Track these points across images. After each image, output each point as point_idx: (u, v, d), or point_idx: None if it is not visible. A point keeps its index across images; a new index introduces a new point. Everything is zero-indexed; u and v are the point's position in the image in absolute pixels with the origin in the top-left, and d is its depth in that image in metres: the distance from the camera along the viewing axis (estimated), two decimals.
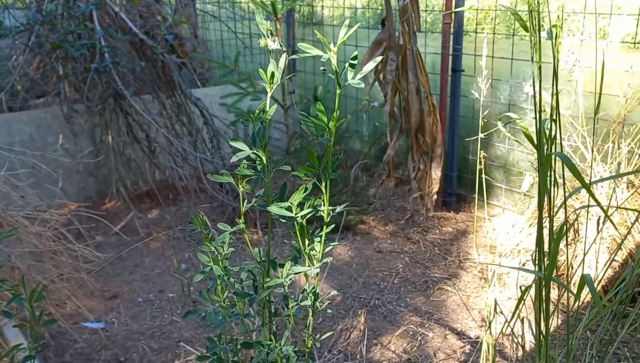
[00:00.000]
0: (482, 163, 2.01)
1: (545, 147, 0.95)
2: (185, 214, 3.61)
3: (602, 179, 1.33)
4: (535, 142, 1.00)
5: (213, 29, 5.09)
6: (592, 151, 2.79)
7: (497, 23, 3.61)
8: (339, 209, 1.00)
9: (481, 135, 1.63)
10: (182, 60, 4.17)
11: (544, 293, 0.98)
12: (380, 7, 4.66)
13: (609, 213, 2.15)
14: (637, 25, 2.83)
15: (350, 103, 4.25)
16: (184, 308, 2.65)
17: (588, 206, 1.17)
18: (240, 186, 0.96)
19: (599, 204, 0.91)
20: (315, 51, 0.90)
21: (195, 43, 4.56)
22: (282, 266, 0.95)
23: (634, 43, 2.85)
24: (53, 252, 2.23)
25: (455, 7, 3.27)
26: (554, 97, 0.98)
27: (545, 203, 1.07)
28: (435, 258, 3.02)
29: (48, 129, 3.60)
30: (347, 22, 0.92)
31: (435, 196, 3.39)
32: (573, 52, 2.85)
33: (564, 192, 1.09)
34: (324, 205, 0.95)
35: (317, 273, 0.92)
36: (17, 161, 2.95)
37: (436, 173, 3.27)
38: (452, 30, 3.34)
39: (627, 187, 2.71)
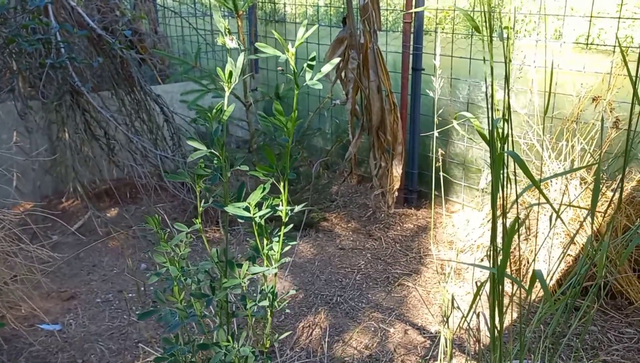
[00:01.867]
0: (441, 160, 2.05)
1: (498, 145, 0.97)
2: (145, 213, 3.55)
3: (552, 176, 1.37)
4: (486, 137, 1.02)
5: (174, 24, 5.02)
6: (546, 148, 2.87)
7: (456, 23, 3.67)
8: (297, 208, 1.01)
9: (436, 133, 1.66)
10: (142, 56, 4.10)
11: (498, 289, 1.01)
12: (342, 6, 4.68)
13: (560, 211, 2.22)
14: (590, 27, 2.92)
15: (313, 101, 4.26)
16: (143, 308, 2.61)
17: (539, 203, 1.21)
18: (197, 186, 0.95)
19: (548, 201, 0.94)
20: (272, 51, 0.90)
21: (155, 39, 4.48)
22: (240, 266, 0.95)
23: (587, 44, 2.94)
24: (6, 254, 2.16)
25: (416, 7, 3.31)
26: (506, 96, 1.01)
27: (499, 199, 1.10)
28: (396, 254, 3.06)
29: (2, 126, 3.49)
30: (305, 22, 0.92)
31: (396, 193, 3.44)
32: (523, 52, 2.92)
33: (516, 190, 1.12)
34: (282, 205, 0.95)
35: (275, 274, 0.92)
36: None
37: (397, 171, 3.31)
38: (412, 29, 3.38)
39: (580, 184, 2.81)
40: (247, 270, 0.92)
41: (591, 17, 2.88)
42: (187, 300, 0.98)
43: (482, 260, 2.87)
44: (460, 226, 3.31)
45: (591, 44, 2.98)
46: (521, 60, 2.88)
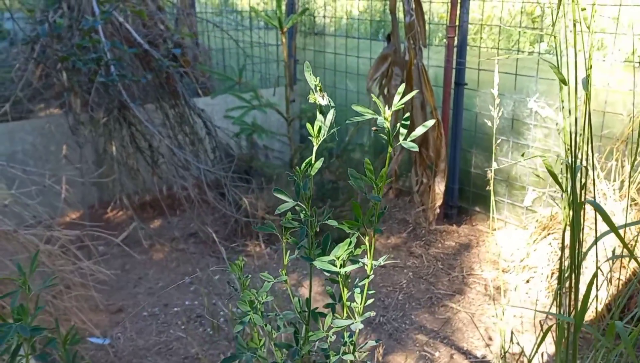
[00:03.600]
0: (490, 178, 2.03)
1: (578, 193, 0.96)
2: (188, 225, 3.60)
3: (631, 224, 1.34)
4: (560, 182, 1.01)
5: (214, 36, 5.09)
6: (594, 168, 2.82)
7: (500, 39, 3.63)
8: (381, 261, 1.01)
9: (494, 166, 1.64)
10: (185, 69, 4.16)
11: (574, 338, 0.99)
12: (382, 19, 4.67)
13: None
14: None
15: (352, 114, 4.26)
16: (188, 322, 2.65)
17: (622, 255, 1.18)
18: (284, 238, 0.96)
19: (632, 256, 0.92)
20: (371, 114, 0.91)
21: (196, 52, 4.55)
22: (322, 315, 0.96)
23: (638, 62, 2.88)
24: (62, 271, 2.22)
25: (460, 22, 3.29)
26: (588, 144, 0.99)
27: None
28: (438, 273, 3.04)
29: (51, 139, 3.59)
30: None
31: (437, 210, 3.41)
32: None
33: (596, 233, 1.10)
34: (368, 258, 0.96)
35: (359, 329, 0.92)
36: (19, 170, 2.93)
37: (439, 188, 3.29)
38: (455, 43, 3.36)
39: (630, 205, 2.74)
40: (330, 323, 0.93)
41: None
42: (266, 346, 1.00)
43: (528, 282, 2.83)
44: (504, 244, 3.27)
45: None
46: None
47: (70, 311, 2.55)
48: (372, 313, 0.99)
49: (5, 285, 2.00)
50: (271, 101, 3.41)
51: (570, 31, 1.08)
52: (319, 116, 0.93)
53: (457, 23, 3.27)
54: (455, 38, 3.34)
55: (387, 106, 0.92)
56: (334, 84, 4.44)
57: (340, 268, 0.93)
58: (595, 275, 0.93)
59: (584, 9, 1.11)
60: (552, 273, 2.77)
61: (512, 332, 1.47)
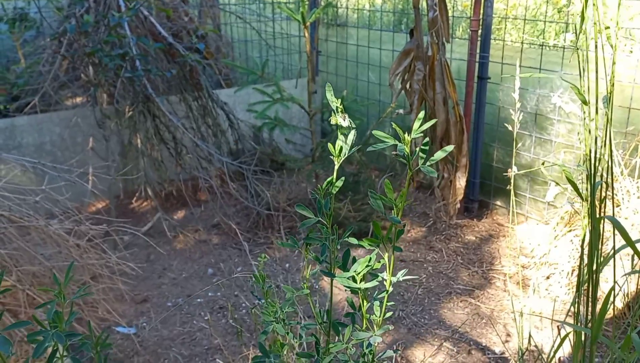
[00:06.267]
0: (511, 173, 2.03)
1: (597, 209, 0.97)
2: (211, 216, 3.66)
3: None
4: (580, 192, 1.02)
5: (236, 27, 5.11)
6: (618, 164, 2.79)
7: (525, 32, 3.59)
8: (399, 276, 1.04)
9: (515, 170, 1.64)
10: (208, 61, 4.20)
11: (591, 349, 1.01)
12: (402, 6, 4.64)
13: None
14: None
15: (373, 107, 4.26)
16: (211, 314, 2.71)
17: (636, 271, 1.19)
18: (306, 253, 1.00)
19: None
20: (392, 140, 0.92)
21: (219, 43, 4.58)
22: (342, 325, 0.99)
23: None
24: (90, 264, 2.29)
25: (484, 15, 3.26)
26: (608, 159, 1.00)
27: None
28: (458, 268, 3.05)
29: (78, 131, 3.67)
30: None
31: (458, 205, 3.41)
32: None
33: (614, 245, 1.11)
34: (387, 275, 0.99)
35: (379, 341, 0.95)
36: (49, 167, 3.01)
37: (460, 183, 3.28)
38: (479, 37, 3.33)
39: None
40: (350, 335, 0.96)
41: None
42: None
43: (548, 278, 2.83)
44: (525, 239, 3.26)
45: None
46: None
47: (97, 301, 2.63)
48: (391, 327, 1.02)
49: (36, 277, 2.08)
50: (293, 93, 3.43)
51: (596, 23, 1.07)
52: (340, 136, 0.95)
53: (480, 16, 3.24)
54: (479, 31, 3.32)
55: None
56: (356, 76, 4.44)
57: (359, 282, 0.96)
58: (612, 289, 0.94)
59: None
60: (573, 270, 2.76)
61: (529, 334, 1.49)
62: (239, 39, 5.10)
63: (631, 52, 2.97)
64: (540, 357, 1.39)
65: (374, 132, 0.97)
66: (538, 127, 3.33)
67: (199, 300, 2.83)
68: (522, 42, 3.40)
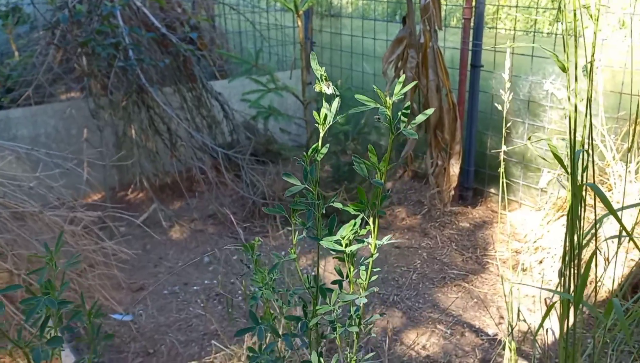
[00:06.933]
0: (501, 160, 2.05)
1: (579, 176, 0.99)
2: (206, 207, 3.68)
3: (629, 207, 1.36)
4: (565, 165, 1.04)
5: (230, 19, 5.11)
6: (610, 149, 2.81)
7: (517, 20, 3.61)
8: (384, 241, 1.05)
9: (504, 148, 1.66)
10: (202, 52, 4.21)
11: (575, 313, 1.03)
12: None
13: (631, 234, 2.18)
14: None
15: (368, 96, 4.27)
16: (207, 301, 2.73)
17: (620, 235, 1.21)
18: (292, 219, 1.01)
19: (628, 234, 0.95)
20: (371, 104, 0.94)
21: (213, 34, 4.59)
22: (329, 291, 1.01)
23: None
24: (86, 250, 2.30)
25: (476, 3, 3.28)
26: (586, 128, 1.02)
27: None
28: (452, 254, 3.07)
29: (72, 122, 3.67)
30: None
31: (452, 192, 3.44)
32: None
33: (595, 215, 1.14)
34: (372, 238, 1.00)
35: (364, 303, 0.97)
36: (40, 153, 3.02)
37: (454, 170, 3.31)
38: (472, 25, 3.35)
39: None
40: (337, 297, 0.98)
41: None
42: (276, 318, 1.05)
43: (541, 262, 2.85)
44: (518, 226, 3.29)
45: None
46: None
47: (93, 288, 2.65)
48: (376, 289, 1.04)
49: (32, 264, 2.09)
50: (288, 84, 3.45)
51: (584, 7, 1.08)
52: (325, 104, 0.97)
53: (473, 4, 3.25)
54: (472, 20, 3.33)
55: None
56: (350, 66, 4.45)
57: (345, 247, 0.97)
58: (594, 254, 0.96)
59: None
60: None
61: (518, 309, 1.51)
62: (233, 30, 5.10)
63: (625, 37, 2.99)
64: (529, 330, 1.42)
65: (356, 95, 0.99)
66: (531, 114, 3.35)
67: (195, 287, 2.84)
68: (514, 30, 3.41)
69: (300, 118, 3.46)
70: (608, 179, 2.88)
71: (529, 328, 1.93)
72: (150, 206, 3.58)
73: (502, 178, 1.93)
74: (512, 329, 1.50)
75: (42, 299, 1.01)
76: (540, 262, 2.85)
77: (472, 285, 2.78)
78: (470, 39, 3.38)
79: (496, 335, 2.40)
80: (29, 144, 3.58)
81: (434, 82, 3.15)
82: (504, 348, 1.96)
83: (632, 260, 2.62)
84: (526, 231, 3.19)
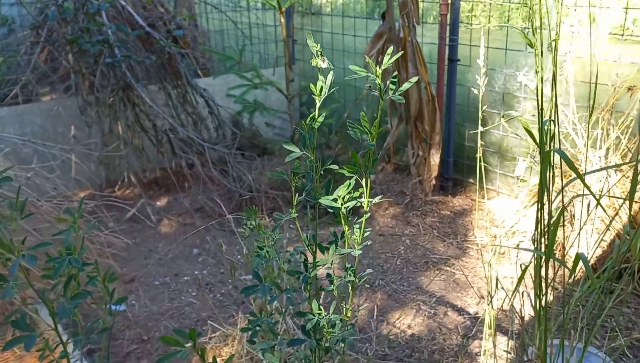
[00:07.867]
0: (479, 150, 2.16)
1: (547, 143, 1.10)
2: (194, 201, 3.74)
3: (594, 171, 1.48)
4: (537, 139, 1.15)
5: (212, 18, 5.18)
6: (581, 137, 2.95)
7: (491, 15, 3.75)
8: (376, 200, 1.15)
9: (481, 129, 1.78)
10: (184, 50, 4.28)
11: (543, 269, 1.14)
12: None
13: (599, 198, 2.32)
14: (625, 17, 2.98)
15: (350, 91, 4.39)
16: (199, 290, 2.80)
17: (583, 194, 1.32)
18: (294, 181, 1.10)
19: (591, 193, 1.06)
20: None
21: (196, 33, 4.66)
22: (327, 248, 1.11)
23: (622, 34, 3.00)
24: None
25: (452, 0, 3.40)
26: (552, 101, 1.13)
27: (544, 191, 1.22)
28: (434, 240, 3.19)
29: (59, 121, 3.71)
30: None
31: (433, 181, 3.56)
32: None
33: (562, 180, 1.25)
34: (365, 197, 1.10)
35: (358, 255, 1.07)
36: (29, 150, 3.07)
37: (434, 160, 3.43)
38: (448, 21, 3.48)
39: (615, 171, 2.89)
40: (334, 252, 1.07)
41: (627, 7, 2.94)
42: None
43: (518, 245, 2.99)
44: (496, 213, 3.42)
45: (628, 35, 3.04)
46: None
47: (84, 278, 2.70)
48: (369, 242, 1.13)
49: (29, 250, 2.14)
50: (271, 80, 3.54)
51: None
52: (320, 76, 1.07)
53: (449, 1, 3.38)
54: (448, 16, 3.46)
55: (384, 83, 1.05)
56: (331, 63, 4.55)
57: (342, 205, 1.07)
58: (561, 212, 1.08)
59: None
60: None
61: (497, 279, 1.63)
62: (214, 29, 5.17)
63: (596, 30, 3.14)
64: (506, 298, 1.53)
65: (350, 66, 1.08)
66: (506, 106, 3.49)
67: (185, 278, 2.91)
68: (489, 25, 3.55)
69: (284, 112, 3.55)
70: (580, 165, 3.02)
71: (507, 297, 2.04)
72: (138, 202, 3.63)
73: (480, 161, 2.04)
74: (491, 299, 1.61)
75: (67, 259, 1.09)
76: (518, 245, 2.98)
77: (454, 268, 2.90)
78: (447, 34, 3.51)
79: (477, 313, 2.52)
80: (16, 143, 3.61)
81: (414, 75, 3.26)
82: (483, 324, 2.07)
83: (604, 241, 2.76)
84: (504, 218, 3.32)
